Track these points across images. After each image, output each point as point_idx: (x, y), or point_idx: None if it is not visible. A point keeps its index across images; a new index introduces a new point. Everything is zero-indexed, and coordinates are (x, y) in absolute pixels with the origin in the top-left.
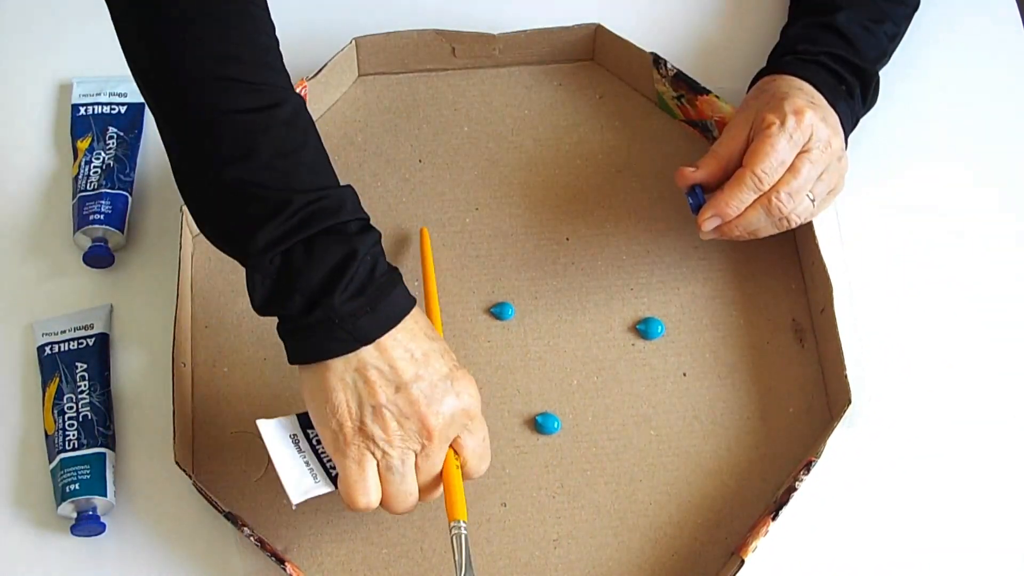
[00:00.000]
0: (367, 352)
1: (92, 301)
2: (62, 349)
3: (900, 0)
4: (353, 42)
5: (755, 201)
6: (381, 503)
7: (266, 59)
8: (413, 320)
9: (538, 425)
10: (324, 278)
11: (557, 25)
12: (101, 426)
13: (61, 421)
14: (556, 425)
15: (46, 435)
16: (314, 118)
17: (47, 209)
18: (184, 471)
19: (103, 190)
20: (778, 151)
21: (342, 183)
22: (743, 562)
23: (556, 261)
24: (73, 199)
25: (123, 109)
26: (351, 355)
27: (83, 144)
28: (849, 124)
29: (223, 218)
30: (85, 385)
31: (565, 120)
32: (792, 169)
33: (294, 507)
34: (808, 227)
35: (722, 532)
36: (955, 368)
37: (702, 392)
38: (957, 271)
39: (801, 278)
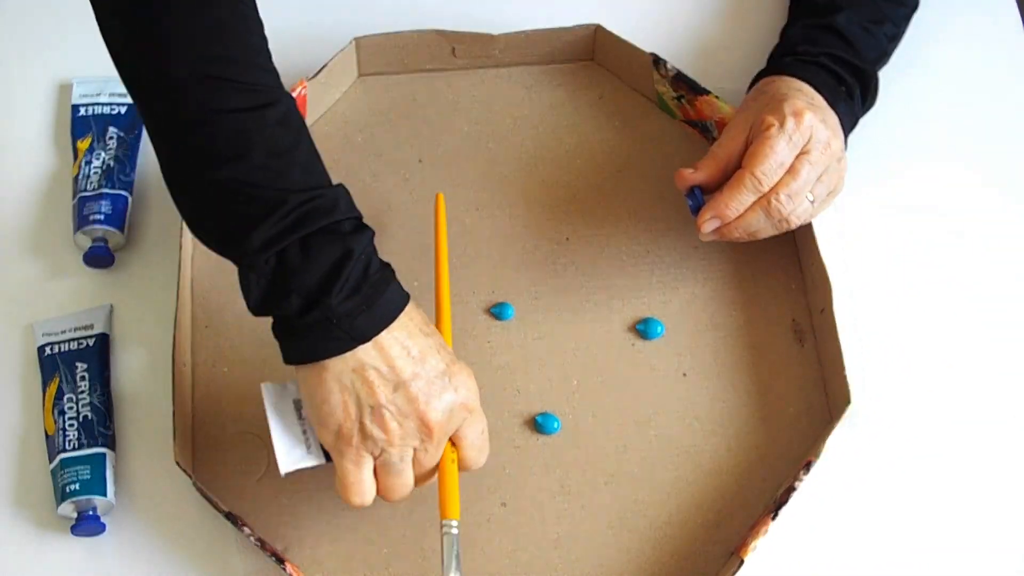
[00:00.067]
0: (364, 351)
1: (92, 301)
2: (62, 349)
3: (900, 1)
4: (353, 42)
5: (754, 203)
6: (376, 493)
7: (257, 59)
8: (408, 317)
9: (538, 425)
10: (321, 278)
11: (557, 25)
12: (101, 426)
13: (61, 421)
14: (556, 425)
15: (46, 435)
16: (314, 118)
17: (47, 209)
18: (184, 471)
19: (103, 190)
20: (777, 153)
21: (341, 182)
22: (743, 562)
23: (556, 261)
24: (73, 199)
25: (123, 109)
26: (348, 355)
27: (83, 144)
28: (849, 125)
29: (217, 218)
30: (85, 385)
31: (565, 120)
32: (791, 171)
33: (282, 475)
34: (808, 227)
35: (722, 532)
36: (955, 368)
37: (702, 392)
38: (957, 271)
39: (801, 278)
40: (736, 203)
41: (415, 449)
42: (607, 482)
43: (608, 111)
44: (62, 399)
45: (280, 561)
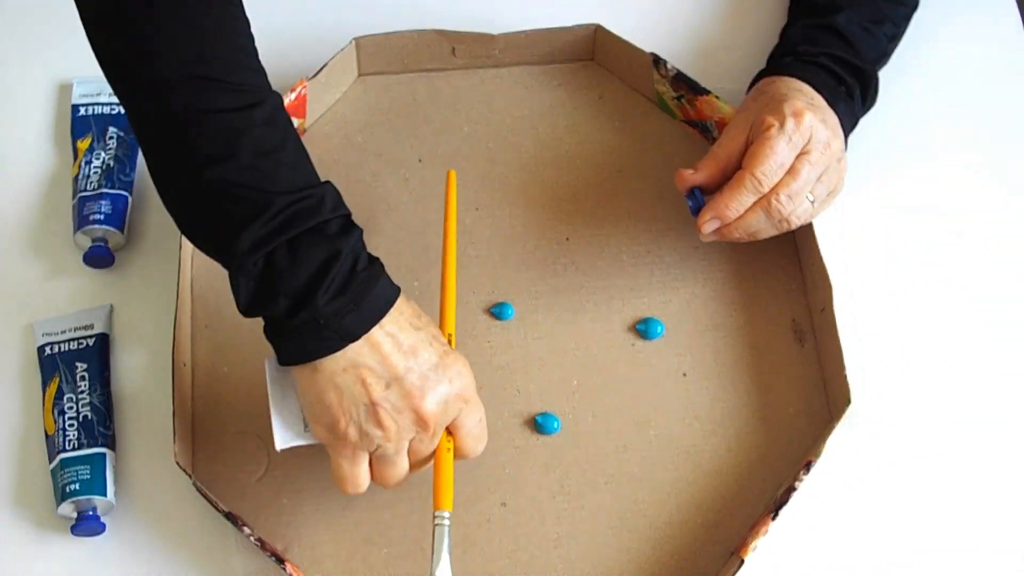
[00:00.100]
0: (355, 350)
1: (92, 301)
2: (62, 349)
3: (900, 1)
4: (353, 42)
5: (755, 203)
6: (371, 479)
7: (243, 59)
8: (398, 312)
9: (538, 425)
10: (307, 280)
11: (557, 25)
12: (101, 426)
13: (61, 421)
14: (556, 425)
15: (46, 435)
16: (314, 118)
17: (47, 209)
18: (184, 471)
19: (103, 190)
20: (777, 153)
21: (329, 180)
22: (743, 562)
23: (556, 261)
24: (73, 199)
25: (123, 109)
26: (339, 354)
27: (83, 144)
28: (849, 125)
29: (204, 220)
30: (85, 385)
31: (565, 120)
32: (791, 171)
33: (278, 450)
34: (808, 227)
35: (722, 532)
36: (955, 368)
37: (702, 392)
38: (957, 271)
39: (801, 278)
40: (736, 204)
41: (411, 440)
42: (607, 482)
43: (608, 111)
44: (62, 399)
45: (280, 561)
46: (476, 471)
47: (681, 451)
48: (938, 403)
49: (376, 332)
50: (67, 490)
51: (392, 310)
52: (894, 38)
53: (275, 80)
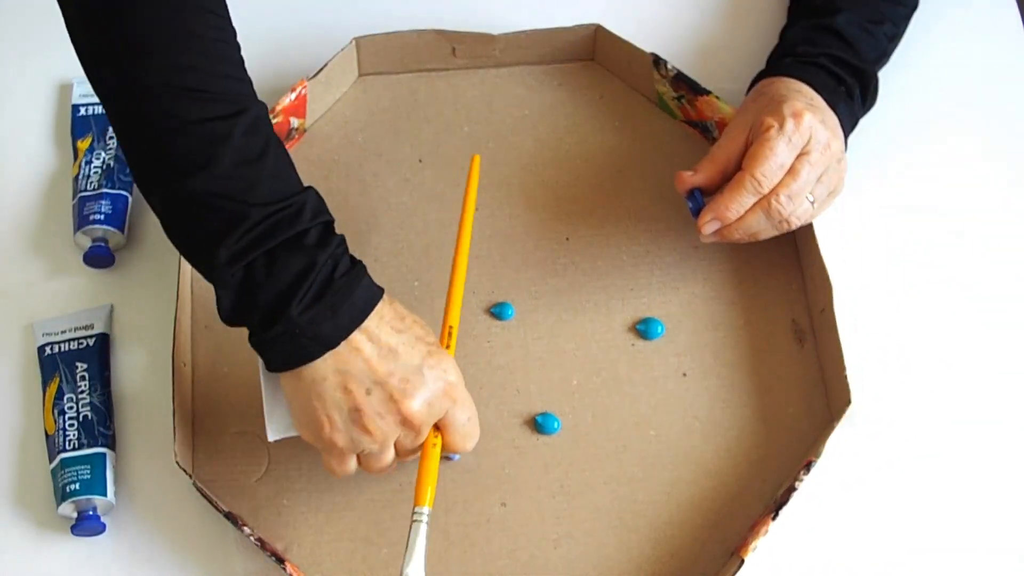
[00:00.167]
0: (336, 356)
1: (92, 301)
2: (62, 349)
3: (899, 1)
4: (354, 42)
5: (755, 204)
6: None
7: (226, 68)
8: (379, 315)
9: (538, 425)
10: (281, 291)
11: (557, 25)
12: (101, 426)
13: (61, 421)
14: (556, 425)
15: (46, 435)
16: (314, 118)
17: (47, 209)
18: (184, 471)
19: (103, 190)
20: (777, 154)
21: (311, 186)
22: (743, 562)
23: (556, 261)
24: (73, 199)
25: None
26: (319, 362)
27: (83, 144)
28: (849, 125)
29: (184, 230)
30: (85, 385)
31: (565, 120)
32: (791, 172)
33: (270, 441)
34: (808, 227)
35: (722, 532)
36: (955, 368)
37: (702, 392)
38: (957, 271)
39: (801, 278)
40: (736, 205)
41: (397, 437)
42: (607, 482)
43: (608, 111)
44: (62, 399)
45: (280, 561)
46: (476, 471)
47: (681, 451)
48: (938, 403)
49: (356, 337)
50: (67, 490)
51: (372, 314)
52: (894, 38)
53: (275, 80)
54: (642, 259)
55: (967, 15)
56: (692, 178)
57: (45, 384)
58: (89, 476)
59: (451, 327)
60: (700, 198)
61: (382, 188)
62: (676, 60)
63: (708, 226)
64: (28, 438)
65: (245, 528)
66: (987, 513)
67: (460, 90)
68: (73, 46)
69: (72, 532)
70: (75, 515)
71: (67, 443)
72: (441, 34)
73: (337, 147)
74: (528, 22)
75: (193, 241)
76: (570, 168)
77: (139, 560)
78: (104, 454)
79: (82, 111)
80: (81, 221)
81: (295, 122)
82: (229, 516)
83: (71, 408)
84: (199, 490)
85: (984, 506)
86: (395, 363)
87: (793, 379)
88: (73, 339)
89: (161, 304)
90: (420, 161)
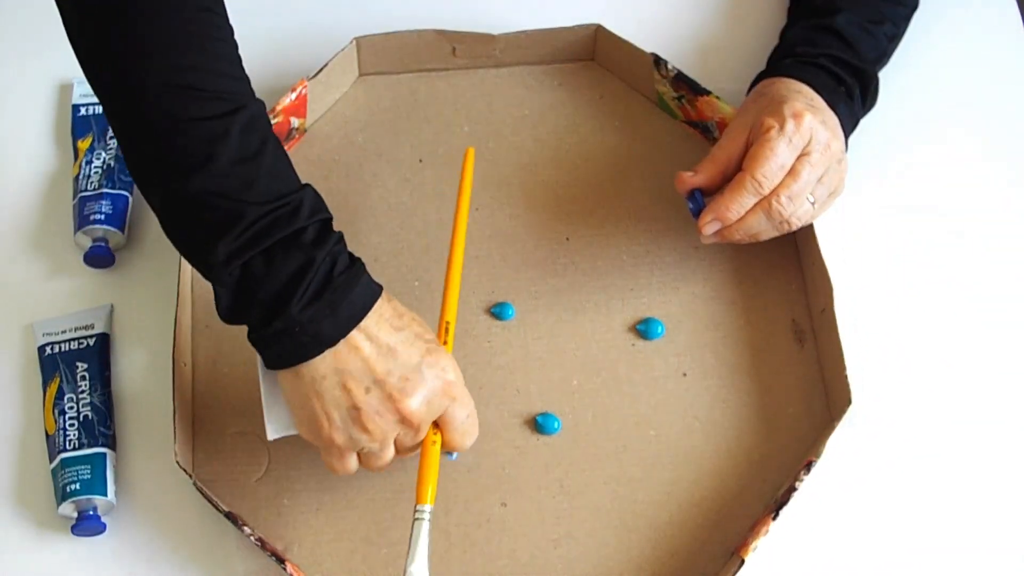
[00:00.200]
0: (335, 354)
1: (92, 301)
2: (63, 349)
3: (899, 1)
4: (354, 42)
5: (755, 205)
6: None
7: (223, 66)
8: (377, 313)
9: (538, 425)
10: (280, 289)
11: (557, 25)
12: (102, 426)
13: (62, 421)
14: (556, 425)
15: (47, 435)
16: (314, 118)
17: (48, 209)
18: (184, 471)
19: (104, 190)
20: (777, 155)
21: (309, 183)
22: (743, 562)
23: (556, 261)
24: (74, 199)
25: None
26: (318, 360)
27: (84, 144)
28: (849, 126)
29: (182, 228)
30: (85, 385)
31: (565, 120)
32: (792, 173)
33: (269, 440)
34: (808, 228)
35: (722, 532)
36: (955, 368)
37: (702, 392)
38: (957, 271)
39: (801, 278)
40: (737, 206)
41: (397, 435)
42: (607, 482)
43: (608, 111)
44: (62, 399)
45: (280, 561)
46: (476, 471)
47: (681, 451)
48: (938, 403)
49: (355, 335)
50: (67, 490)
51: (371, 312)
52: (894, 38)
53: (275, 80)
54: (642, 259)
55: (967, 15)
56: (692, 179)
57: (45, 384)
58: (89, 476)
59: (448, 323)
60: (700, 199)
61: (382, 188)
62: (676, 60)
63: (709, 227)
64: (28, 438)
65: (245, 528)
66: (987, 513)
67: (460, 90)
68: (71, 44)
69: (72, 532)
70: (75, 515)
71: (67, 443)
72: (441, 34)
73: (337, 147)
74: (528, 22)
75: (192, 240)
76: (570, 168)
77: (139, 560)
78: (104, 454)
79: (82, 111)
80: (81, 221)
81: (295, 122)
82: (229, 516)
83: (71, 408)
84: (199, 490)
85: (984, 506)
86: (394, 362)
87: (793, 379)
88: (73, 339)
89: (161, 304)
90: (420, 161)
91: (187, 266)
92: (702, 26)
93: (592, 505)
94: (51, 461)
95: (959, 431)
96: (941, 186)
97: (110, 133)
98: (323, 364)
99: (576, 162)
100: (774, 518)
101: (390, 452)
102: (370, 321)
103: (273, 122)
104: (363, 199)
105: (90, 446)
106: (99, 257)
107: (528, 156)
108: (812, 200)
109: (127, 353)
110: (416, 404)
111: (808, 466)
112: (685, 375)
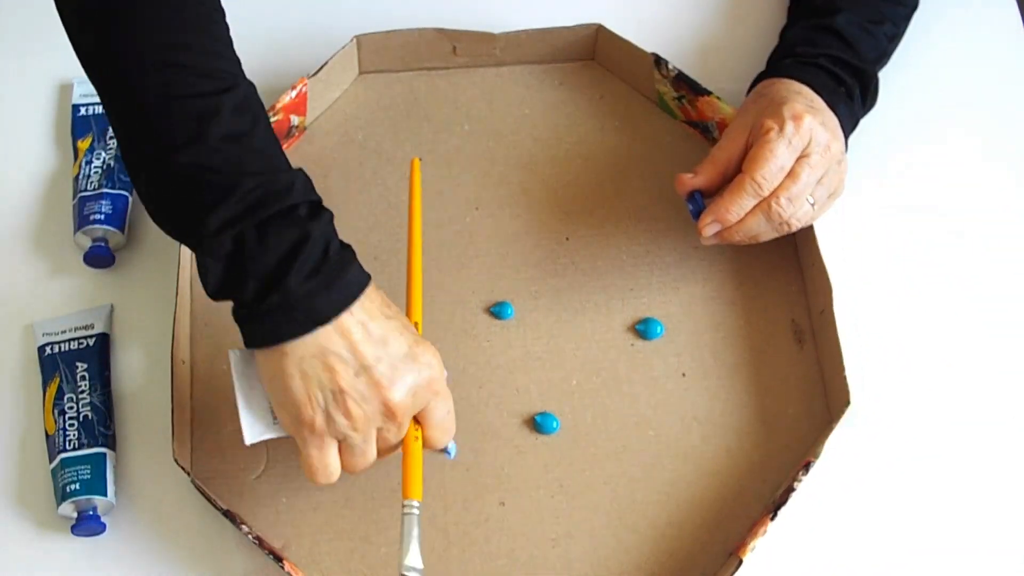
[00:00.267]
0: (325, 335)
1: (92, 301)
2: (62, 349)
3: (899, 1)
4: (354, 40)
5: (755, 207)
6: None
7: (215, 46)
8: (368, 299)
9: (537, 425)
10: (278, 261)
11: (558, 25)
12: (101, 426)
13: (62, 421)
14: (555, 425)
15: (46, 435)
16: (315, 116)
17: (47, 209)
18: (182, 468)
19: (104, 190)
20: (777, 157)
21: (300, 167)
22: (741, 562)
23: (556, 261)
24: (74, 199)
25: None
26: (308, 339)
27: (84, 144)
28: (849, 126)
29: (174, 203)
30: (85, 385)
31: (565, 120)
32: (791, 174)
33: (247, 445)
34: (808, 228)
35: (721, 532)
36: (955, 368)
37: (701, 393)
38: (957, 271)
39: (801, 279)
40: (737, 207)
41: (379, 429)
42: (606, 482)
43: (608, 111)
44: (62, 399)
45: (279, 559)
46: (475, 470)
47: (680, 451)
48: (938, 403)
49: (346, 318)
50: (67, 490)
51: (363, 296)
52: (894, 38)
53: (276, 78)
54: (642, 259)
55: (967, 15)
56: (692, 180)
57: (45, 384)
58: (89, 476)
59: (416, 322)
60: (700, 200)
61: (382, 186)
62: (677, 60)
63: (708, 228)
64: (28, 438)
65: (244, 526)
66: (987, 513)
67: (460, 89)
68: (64, 25)
69: (72, 532)
70: (75, 515)
71: (67, 443)
72: (442, 32)
73: (337, 145)
74: (528, 21)
75: (181, 213)
76: (570, 168)
77: (139, 560)
78: (104, 454)
79: (82, 111)
80: (81, 221)
81: (295, 120)
82: (228, 514)
83: (71, 408)
84: (197, 488)
85: (984, 506)
86: (383, 350)
87: (793, 380)
88: (73, 339)
89: (161, 304)
90: (420, 159)
91: (187, 266)
92: (702, 26)
93: (591, 505)
94: (51, 461)
95: (958, 431)
96: (941, 186)
97: (110, 133)
98: (312, 343)
99: (576, 162)
100: (772, 518)
101: (372, 450)
102: (361, 305)
103: (273, 120)
104: (363, 197)
105: (90, 446)
106: (99, 257)
107: (528, 156)
108: (812, 201)
109: (127, 353)
110: (401, 395)
111: (807, 466)
112: (684, 375)
